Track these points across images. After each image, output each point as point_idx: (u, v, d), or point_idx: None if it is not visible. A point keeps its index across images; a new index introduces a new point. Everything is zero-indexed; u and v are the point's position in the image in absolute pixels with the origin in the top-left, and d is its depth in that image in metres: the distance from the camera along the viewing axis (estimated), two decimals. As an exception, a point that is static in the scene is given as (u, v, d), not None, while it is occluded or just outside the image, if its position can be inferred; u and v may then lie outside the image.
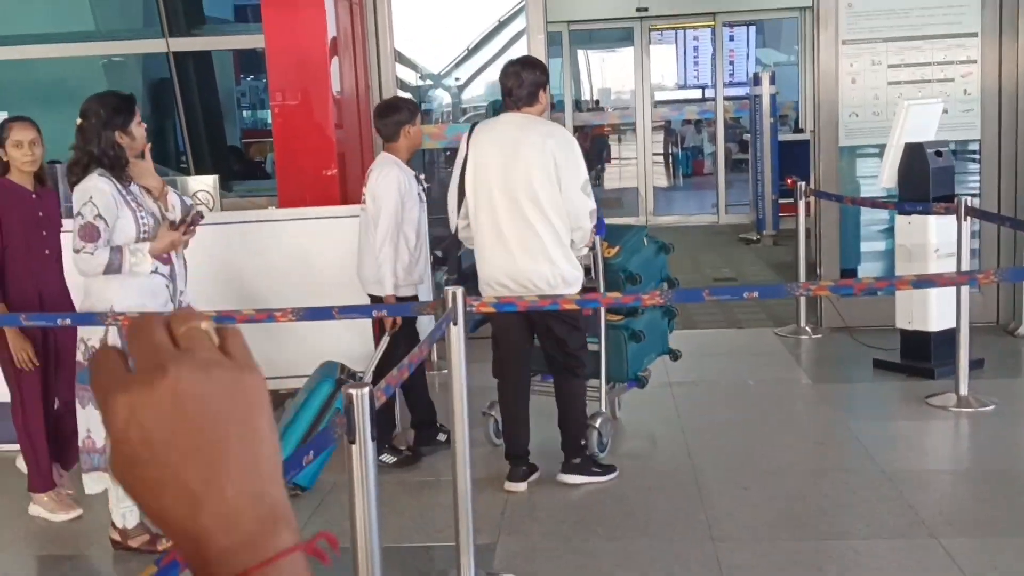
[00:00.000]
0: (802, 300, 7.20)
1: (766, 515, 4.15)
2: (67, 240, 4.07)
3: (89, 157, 3.80)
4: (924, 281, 3.78)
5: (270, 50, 6.32)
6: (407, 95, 6.82)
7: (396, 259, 4.67)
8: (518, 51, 7.53)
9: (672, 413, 5.56)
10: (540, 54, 7.22)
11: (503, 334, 4.47)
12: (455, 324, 3.39)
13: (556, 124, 5.03)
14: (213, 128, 9.41)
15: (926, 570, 3.61)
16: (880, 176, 6.27)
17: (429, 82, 9.88)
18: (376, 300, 4.70)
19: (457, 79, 9.62)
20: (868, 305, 6.73)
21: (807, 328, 7.22)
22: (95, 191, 3.77)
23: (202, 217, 4.10)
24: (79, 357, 3.95)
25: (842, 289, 3.99)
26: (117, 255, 3.78)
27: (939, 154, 6.06)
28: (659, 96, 23.57)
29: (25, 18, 9.22)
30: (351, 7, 7.11)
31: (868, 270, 8.29)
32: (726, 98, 16.39)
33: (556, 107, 14.54)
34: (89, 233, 3.74)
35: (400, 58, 7.67)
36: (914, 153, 6.05)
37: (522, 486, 4.48)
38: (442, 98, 10.67)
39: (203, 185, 6.16)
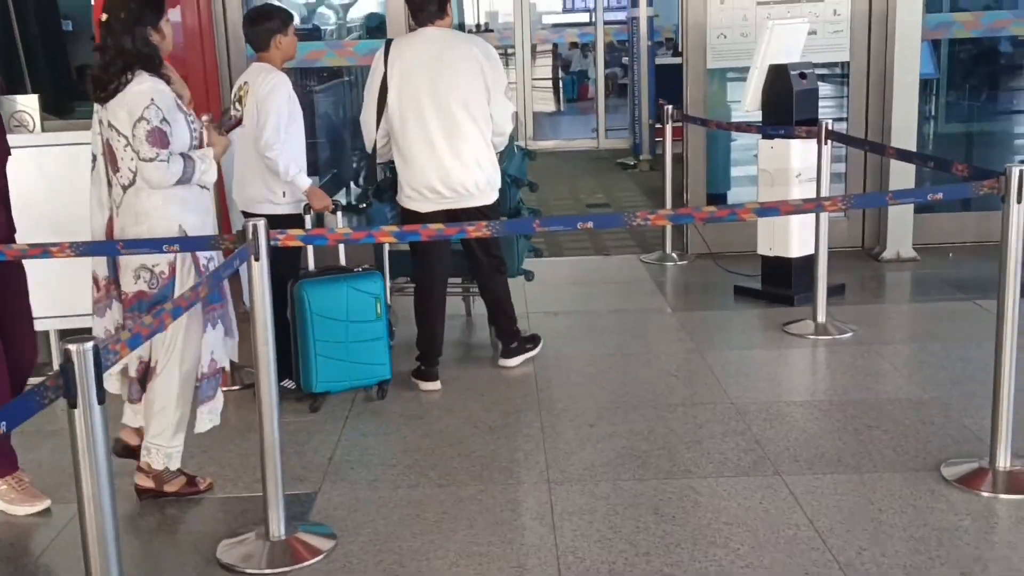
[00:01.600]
0: (668, 227, 7.05)
1: (607, 454, 3.97)
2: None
3: (124, 56, 3.45)
4: (769, 208, 3.59)
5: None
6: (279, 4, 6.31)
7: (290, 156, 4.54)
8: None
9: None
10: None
11: (429, 244, 4.60)
12: (256, 259, 3.07)
13: (472, 35, 5.25)
14: (53, 45, 8.74)
15: (767, 510, 3.47)
16: (744, 99, 6.08)
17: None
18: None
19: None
20: (734, 231, 6.59)
21: (673, 255, 7.09)
22: (155, 92, 3.45)
23: (240, 122, 3.72)
24: (141, 286, 3.51)
25: (681, 218, 3.78)
26: (190, 163, 3.52)
27: (803, 76, 5.89)
28: (547, 20, 23.22)
29: None
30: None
31: (737, 195, 8.19)
32: (610, 22, 16.12)
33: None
34: (159, 138, 3.42)
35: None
36: (778, 75, 5.87)
37: (438, 384, 4.75)
38: (329, 17, 10.16)
39: (22, 105, 5.63)
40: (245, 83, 4.67)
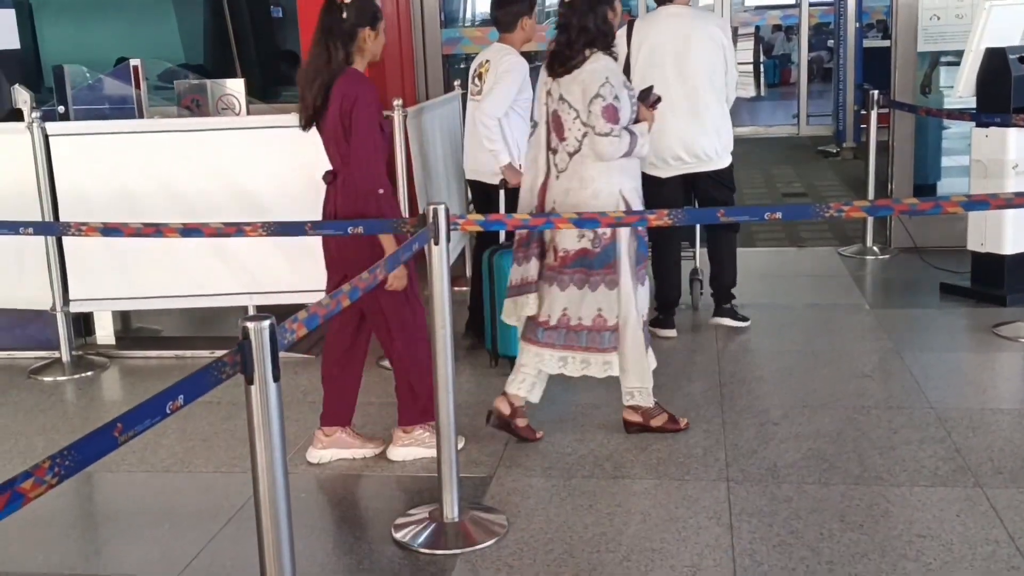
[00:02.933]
0: (869, 218, 6.70)
1: (792, 455, 3.80)
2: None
3: (586, 35, 3.73)
4: (978, 202, 3.32)
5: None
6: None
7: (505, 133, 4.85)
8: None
9: (711, 339, 5.20)
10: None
11: (664, 203, 4.64)
12: (436, 243, 3.08)
13: (713, 13, 5.98)
14: (262, 32, 9.15)
15: (964, 524, 3.23)
16: (957, 85, 5.71)
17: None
18: (484, 187, 5.04)
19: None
20: (941, 224, 6.22)
21: (874, 248, 6.75)
22: (609, 71, 3.74)
23: (659, 99, 4.04)
24: (584, 244, 3.79)
25: (880, 210, 3.55)
26: (633, 137, 3.79)
27: (1023, 60, 5.46)
28: (749, 1, 22.58)
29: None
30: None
31: (948, 186, 7.72)
32: (816, 3, 15.52)
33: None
34: (612, 114, 3.70)
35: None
36: (994, 59, 5.47)
37: (675, 332, 5.28)
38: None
39: (230, 89, 5.90)
40: (487, 60, 4.98)
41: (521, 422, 3.98)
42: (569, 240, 3.82)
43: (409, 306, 3.81)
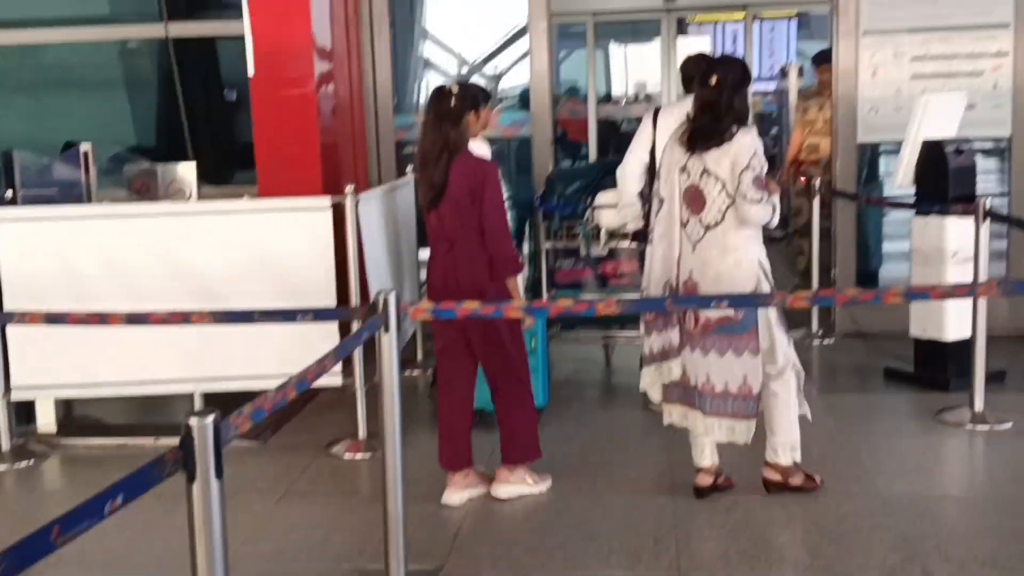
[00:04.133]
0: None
1: (744, 543, 3.79)
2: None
3: (733, 113, 4.02)
4: (918, 292, 3.40)
5: (254, 35, 6.05)
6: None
7: None
8: (523, 44, 7.27)
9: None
10: (542, 46, 6.94)
11: None
12: (386, 331, 3.08)
13: None
14: (217, 114, 9.17)
15: (913, 613, 3.24)
16: (896, 174, 5.87)
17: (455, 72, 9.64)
18: None
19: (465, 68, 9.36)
20: (884, 310, 6.32)
21: (819, 333, 6.84)
22: (756, 145, 4.02)
23: (782, 177, 4.25)
24: (727, 311, 3.95)
25: (823, 300, 3.61)
26: (775, 208, 4.05)
27: (959, 152, 5.64)
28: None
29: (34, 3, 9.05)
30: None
31: (890, 272, 7.88)
32: (759, 92, 15.92)
33: (581, 100, 14.22)
34: (761, 184, 3.98)
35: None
36: (932, 150, 5.64)
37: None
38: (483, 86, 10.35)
39: (180, 173, 5.91)
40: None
41: (795, 480, 4.21)
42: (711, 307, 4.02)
43: (518, 349, 4.25)
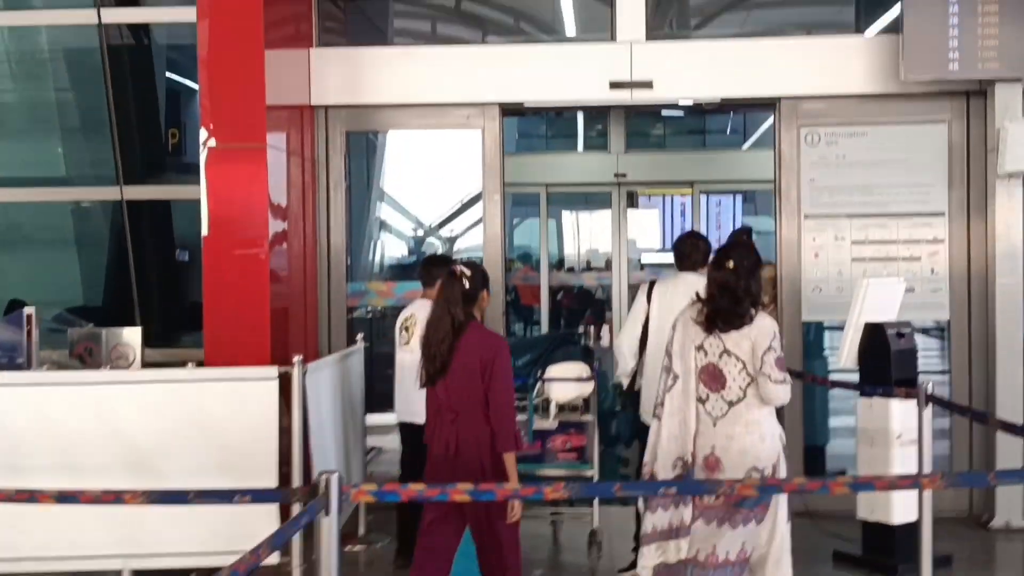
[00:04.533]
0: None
1: None
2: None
3: (750, 296, 4.26)
4: (863, 483, 3.41)
5: (210, 202, 6.10)
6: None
7: None
8: (476, 211, 7.42)
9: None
10: (495, 213, 7.09)
11: None
12: (327, 514, 3.00)
13: None
14: (167, 276, 9.15)
15: None
16: (840, 355, 5.97)
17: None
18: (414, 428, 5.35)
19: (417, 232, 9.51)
20: (831, 491, 6.30)
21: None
22: (775, 327, 4.30)
23: None
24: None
25: (769, 489, 3.61)
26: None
27: (901, 335, 5.77)
28: (645, 259, 23.55)
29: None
30: (303, 163, 6.97)
31: (837, 448, 7.90)
32: (706, 264, 16.18)
33: (534, 267, 14.44)
34: (782, 364, 4.23)
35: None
36: (875, 333, 5.77)
37: None
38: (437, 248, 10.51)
39: (125, 338, 5.84)
40: (412, 315, 5.69)
41: None
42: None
43: (515, 538, 4.30)
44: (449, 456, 4.22)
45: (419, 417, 5.29)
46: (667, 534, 4.18)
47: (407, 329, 5.70)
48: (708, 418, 4.23)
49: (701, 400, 4.26)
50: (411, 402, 5.46)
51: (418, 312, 5.61)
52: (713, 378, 4.24)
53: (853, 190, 6.93)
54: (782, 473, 4.24)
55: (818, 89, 6.90)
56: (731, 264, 4.26)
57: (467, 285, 4.34)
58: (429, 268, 5.82)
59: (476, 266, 4.58)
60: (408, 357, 5.57)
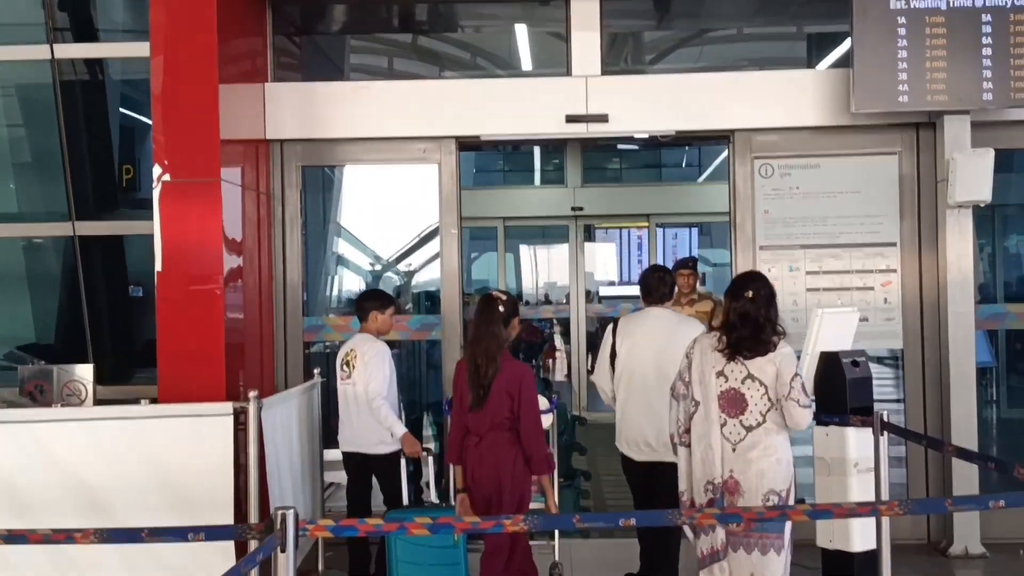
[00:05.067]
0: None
1: None
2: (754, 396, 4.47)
3: (772, 324, 4.49)
4: (821, 511, 3.42)
5: (164, 237, 6.04)
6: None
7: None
8: (434, 245, 7.41)
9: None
10: (453, 249, 7.08)
11: (633, 483, 5.56)
12: (283, 551, 2.95)
13: (687, 317, 5.99)
14: (120, 312, 9.04)
15: None
16: (796, 384, 5.98)
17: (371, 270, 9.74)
18: (370, 459, 5.75)
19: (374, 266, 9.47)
20: (790, 521, 6.32)
21: (728, 543, 6.78)
22: (794, 355, 4.54)
23: None
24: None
25: (729, 518, 3.61)
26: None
27: (856, 364, 5.82)
28: (603, 292, 23.64)
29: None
30: (258, 198, 6.93)
31: (798, 476, 7.92)
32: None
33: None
34: (807, 390, 4.49)
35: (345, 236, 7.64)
36: (830, 362, 5.81)
37: None
38: (394, 282, 10.48)
39: (77, 375, 5.75)
40: (352, 349, 5.86)
41: None
42: (755, 503, 4.27)
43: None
44: (475, 478, 4.61)
45: (365, 447, 5.76)
46: (711, 557, 4.38)
47: (348, 364, 5.87)
48: (728, 443, 4.40)
49: (720, 425, 4.42)
50: (356, 433, 5.80)
51: (358, 347, 5.86)
52: (732, 403, 4.41)
53: (807, 221, 7.01)
54: (792, 499, 4.43)
55: (771, 122, 6.99)
56: (750, 294, 4.49)
57: (502, 309, 4.64)
58: (361, 303, 6.06)
59: (508, 294, 4.97)
60: (350, 390, 5.81)
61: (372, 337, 5.90)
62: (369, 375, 5.71)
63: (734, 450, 4.39)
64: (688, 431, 4.53)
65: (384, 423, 5.69)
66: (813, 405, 4.49)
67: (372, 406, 5.68)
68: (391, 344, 6.09)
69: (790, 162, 7.03)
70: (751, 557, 4.30)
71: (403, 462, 5.84)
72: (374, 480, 5.85)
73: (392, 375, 5.83)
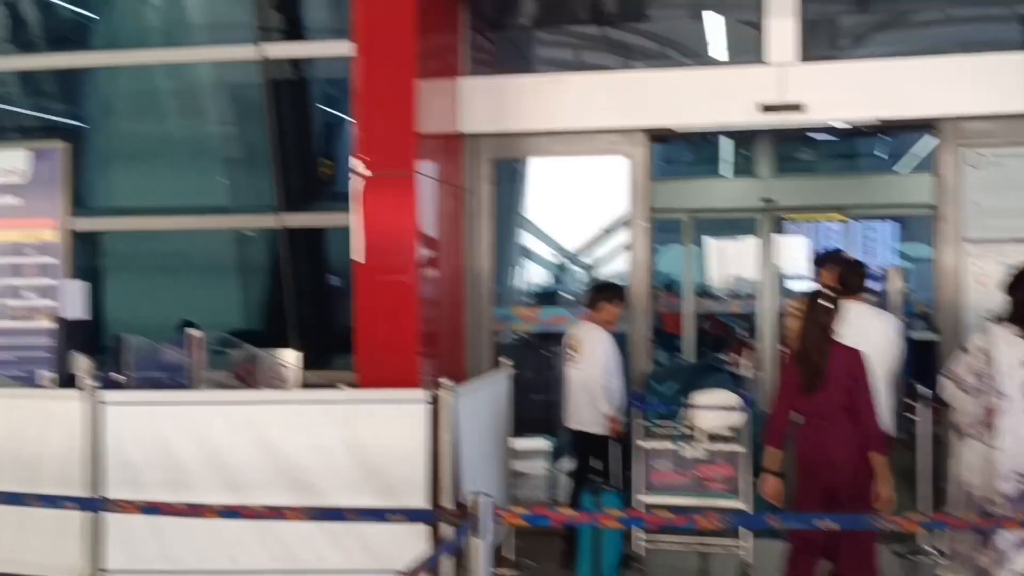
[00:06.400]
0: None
1: None
2: None
3: None
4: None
5: (365, 225, 6.26)
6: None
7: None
8: (619, 238, 7.38)
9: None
10: (643, 242, 7.04)
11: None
12: (478, 537, 3.01)
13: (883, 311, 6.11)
14: (321, 303, 9.41)
15: None
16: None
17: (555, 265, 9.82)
18: (589, 437, 6.13)
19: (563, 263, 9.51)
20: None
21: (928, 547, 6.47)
22: None
23: None
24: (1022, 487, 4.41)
25: (935, 524, 3.43)
26: None
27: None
28: (788, 285, 22.86)
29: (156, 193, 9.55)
30: (452, 190, 7.07)
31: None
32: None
33: (676, 293, 14.21)
34: None
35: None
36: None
37: None
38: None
39: (284, 359, 6.03)
40: (577, 335, 6.22)
41: None
42: (1009, 486, 4.41)
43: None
44: (819, 461, 4.70)
45: (584, 426, 6.19)
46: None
47: (574, 348, 6.24)
48: None
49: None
50: (578, 411, 6.20)
51: (584, 334, 6.25)
52: None
53: (1018, 214, 6.60)
54: None
55: (982, 108, 6.62)
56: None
57: (831, 306, 4.86)
58: (595, 294, 6.39)
59: (837, 282, 5.44)
60: (574, 372, 6.21)
61: (597, 327, 6.22)
62: (593, 361, 6.11)
63: None
64: (985, 423, 4.55)
65: (599, 407, 6.08)
66: None
67: (592, 390, 6.07)
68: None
69: (1002, 151, 6.63)
70: None
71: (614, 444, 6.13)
72: None
73: (617, 363, 6.20)
